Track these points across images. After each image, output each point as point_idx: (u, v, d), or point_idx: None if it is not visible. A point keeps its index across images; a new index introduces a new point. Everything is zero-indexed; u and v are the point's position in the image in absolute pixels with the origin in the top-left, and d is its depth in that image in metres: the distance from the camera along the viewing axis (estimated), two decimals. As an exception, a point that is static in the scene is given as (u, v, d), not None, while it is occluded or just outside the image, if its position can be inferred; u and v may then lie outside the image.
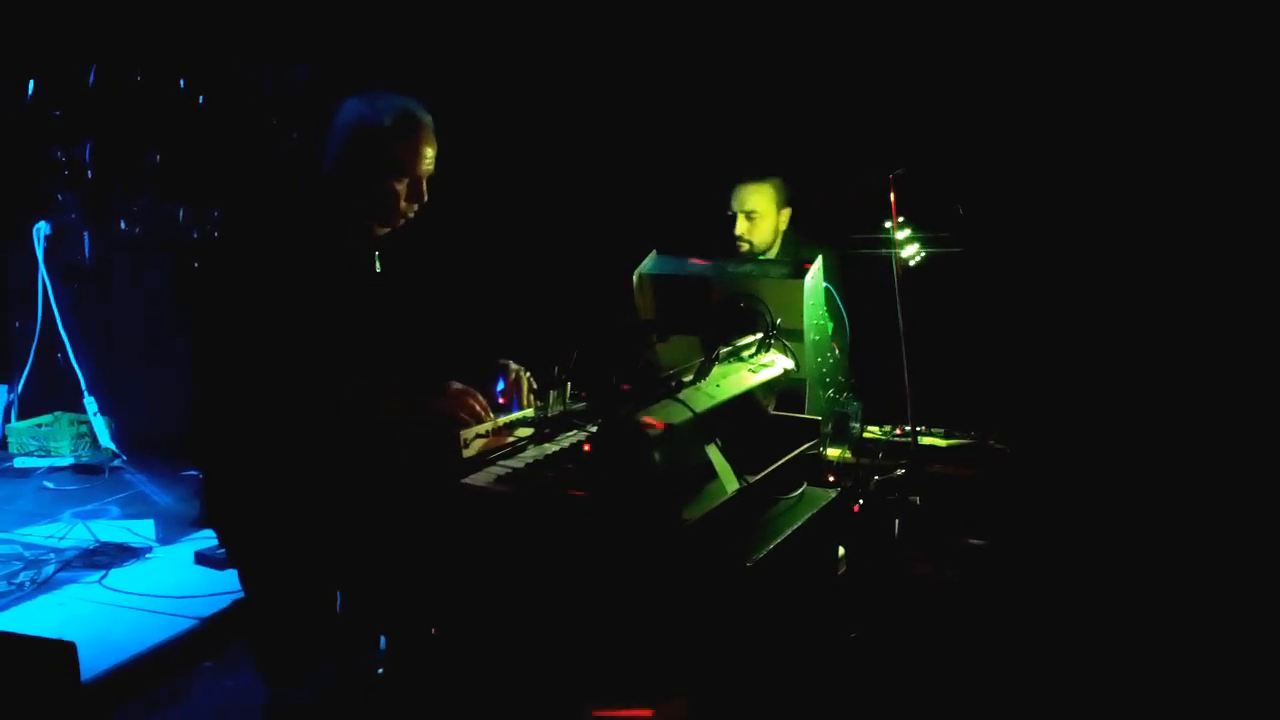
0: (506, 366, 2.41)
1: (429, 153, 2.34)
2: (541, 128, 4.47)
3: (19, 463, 4.60)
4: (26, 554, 3.48)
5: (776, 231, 3.41)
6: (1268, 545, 2.95)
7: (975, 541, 2.66)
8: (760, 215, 3.36)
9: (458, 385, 2.23)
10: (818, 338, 2.64)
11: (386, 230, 2.40)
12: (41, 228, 4.76)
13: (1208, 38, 3.51)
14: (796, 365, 2.52)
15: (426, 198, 2.37)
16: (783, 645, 2.13)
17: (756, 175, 3.38)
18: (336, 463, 2.11)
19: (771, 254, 3.42)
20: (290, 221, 2.29)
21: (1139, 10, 3.60)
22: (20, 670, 2.18)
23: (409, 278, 2.53)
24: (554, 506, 1.86)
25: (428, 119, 2.35)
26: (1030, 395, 3.64)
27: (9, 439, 4.73)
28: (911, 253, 2.96)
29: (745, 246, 3.38)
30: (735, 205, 3.37)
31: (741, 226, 3.36)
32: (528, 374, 2.43)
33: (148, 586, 3.26)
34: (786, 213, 3.42)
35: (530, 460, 2.02)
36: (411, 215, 2.39)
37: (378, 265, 2.43)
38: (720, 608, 1.91)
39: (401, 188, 2.32)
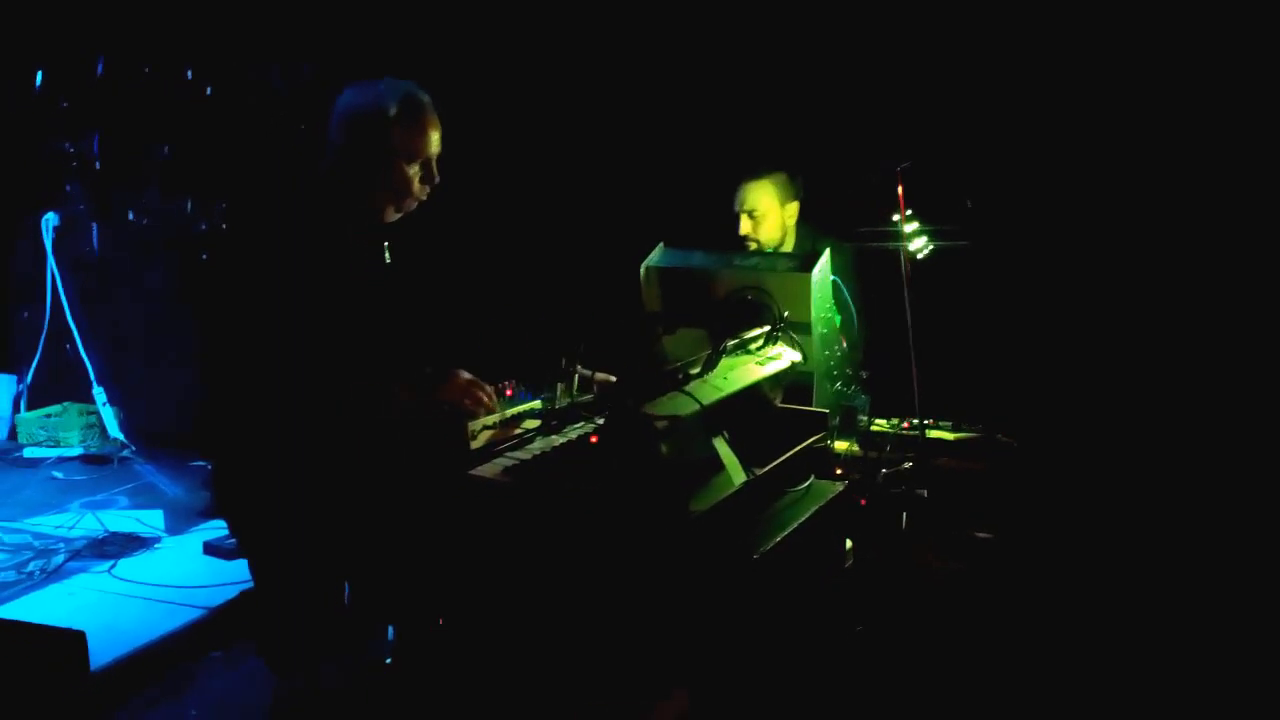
0: (455, 377, 2.22)
1: (435, 135, 2.35)
2: (550, 121, 4.46)
3: (28, 453, 4.62)
4: (36, 544, 3.50)
5: (784, 228, 3.35)
6: (1272, 540, 2.94)
7: (983, 535, 2.66)
8: (763, 213, 3.30)
9: (465, 375, 2.23)
10: (825, 330, 2.64)
11: (399, 216, 2.40)
12: (50, 219, 4.77)
13: (1215, 34, 3.50)
14: (804, 358, 2.51)
15: (438, 178, 2.38)
16: (789, 638, 2.14)
17: (757, 172, 3.32)
18: (345, 453, 2.12)
19: (784, 250, 3.39)
20: (298, 213, 2.30)
21: (1146, 6, 3.58)
22: (31, 659, 2.19)
23: (418, 269, 2.53)
24: (561, 498, 1.87)
25: (428, 99, 2.35)
26: (1039, 389, 3.63)
27: (18, 429, 4.76)
28: (920, 246, 2.95)
29: (753, 245, 3.34)
30: (737, 204, 3.31)
31: (746, 226, 3.30)
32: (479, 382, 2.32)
33: (156, 576, 3.27)
34: (793, 208, 3.36)
35: (538, 452, 2.02)
36: (425, 198, 2.39)
37: (387, 256, 2.43)
38: (727, 600, 1.91)
39: (413, 172, 2.33)
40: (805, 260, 2.64)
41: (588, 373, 2.37)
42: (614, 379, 2.39)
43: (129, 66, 4.78)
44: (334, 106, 2.35)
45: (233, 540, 3.05)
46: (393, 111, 2.29)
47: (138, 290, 4.76)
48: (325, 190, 2.34)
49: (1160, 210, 3.64)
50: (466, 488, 1.92)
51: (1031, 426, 3.01)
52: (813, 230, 3.38)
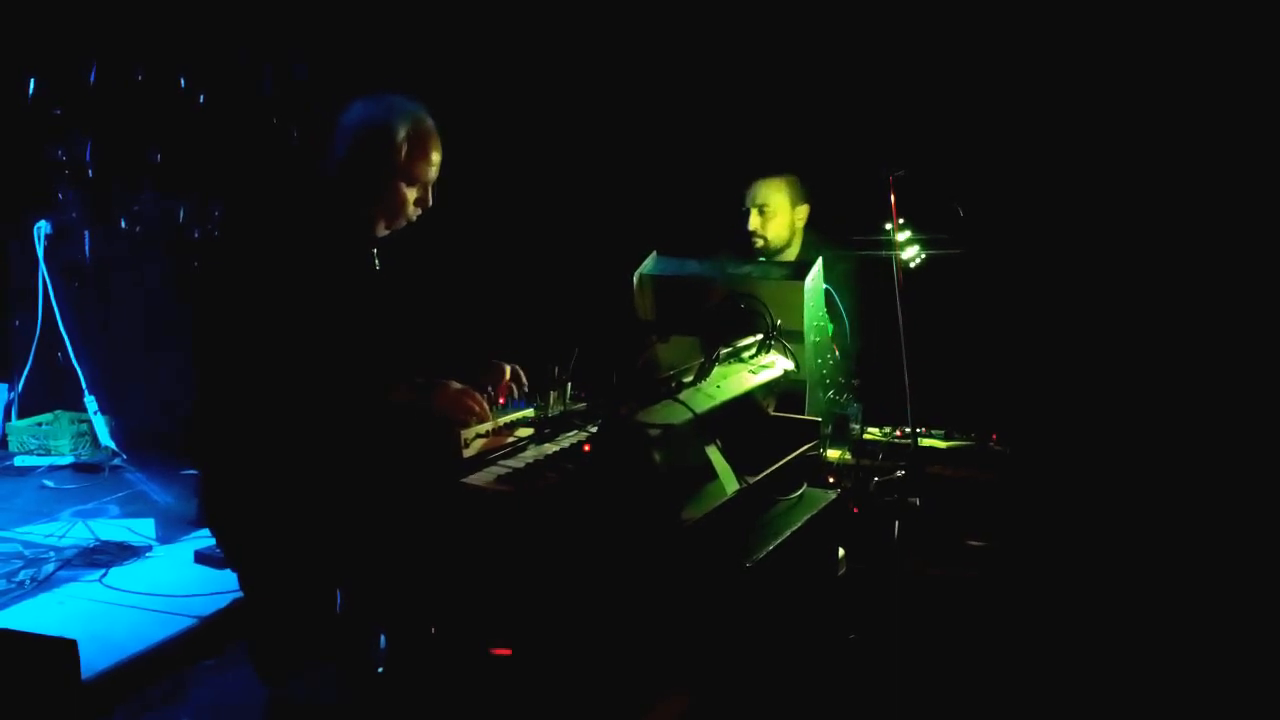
0: (500, 367, 2.41)
1: (437, 160, 2.37)
2: (543, 128, 4.47)
3: (19, 461, 4.60)
4: (26, 552, 3.48)
5: (793, 229, 3.39)
6: (1269, 543, 2.95)
7: (975, 543, 2.66)
8: (773, 211, 3.34)
9: (456, 385, 2.23)
10: (818, 339, 2.64)
11: (387, 232, 2.41)
12: (42, 226, 4.76)
13: (1208, 37, 3.51)
14: (796, 366, 2.52)
15: (431, 202, 2.40)
16: (782, 646, 2.14)
17: (771, 170, 3.37)
18: (336, 462, 2.11)
19: (790, 254, 3.39)
20: (290, 221, 2.30)
21: (1139, 10, 3.60)
22: (21, 668, 2.18)
23: (408, 276, 2.54)
24: (554, 506, 1.86)
25: (433, 124, 2.37)
26: (1031, 397, 3.63)
27: (9, 437, 4.73)
28: (912, 254, 2.96)
29: (760, 243, 3.36)
30: (748, 200, 3.36)
31: (754, 221, 3.34)
32: (519, 368, 2.43)
33: (148, 585, 3.26)
34: (803, 210, 3.39)
35: (530, 460, 2.02)
36: (414, 219, 2.41)
37: (376, 263, 2.44)
38: (720, 609, 1.91)
39: (410, 193, 2.35)
40: (798, 269, 2.65)
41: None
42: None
43: (122, 73, 4.78)
44: (341, 118, 2.36)
45: (221, 550, 3.05)
46: (401, 134, 2.31)
47: (130, 298, 4.74)
48: (321, 198, 2.35)
49: (1152, 218, 3.65)
50: (459, 496, 1.92)
51: (1024, 434, 3.02)
52: (818, 238, 3.40)
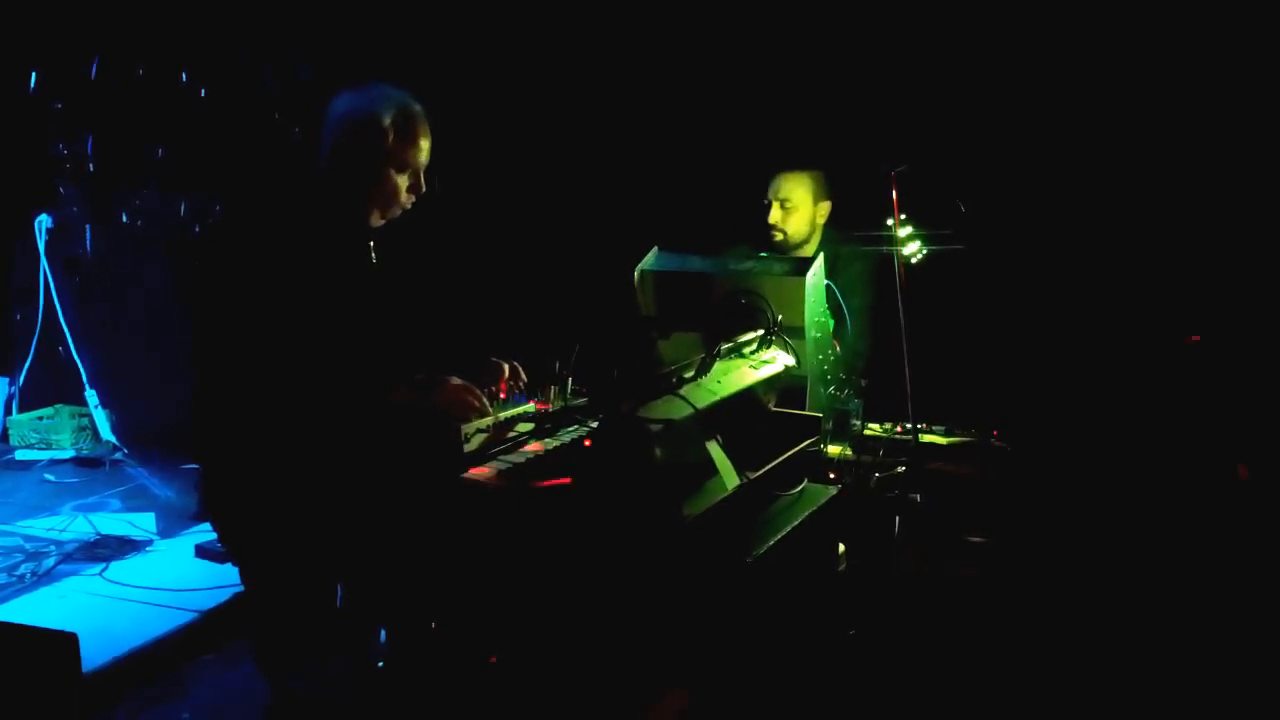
0: (499, 366, 2.40)
1: (425, 145, 2.36)
2: (544, 123, 4.47)
3: (20, 455, 4.60)
4: (27, 546, 3.48)
5: (813, 225, 3.38)
6: (1269, 541, 2.95)
7: (976, 539, 2.67)
8: (795, 204, 3.33)
9: (456, 380, 2.23)
10: (819, 335, 2.64)
11: (383, 222, 2.41)
12: (43, 221, 4.76)
13: (1209, 35, 3.51)
14: (797, 362, 2.52)
15: (424, 189, 2.39)
16: (782, 641, 2.14)
17: (796, 165, 3.36)
18: (337, 456, 2.11)
19: (808, 250, 3.37)
20: (287, 215, 2.30)
21: (1141, 8, 3.60)
22: (22, 661, 2.18)
23: (408, 271, 2.54)
24: (555, 501, 1.87)
25: (421, 110, 2.37)
26: (1031, 393, 3.63)
27: (10, 431, 4.74)
28: (913, 250, 2.96)
29: (779, 236, 3.35)
30: (770, 193, 3.35)
31: (775, 215, 3.33)
32: (518, 365, 2.43)
33: (148, 579, 3.26)
34: (825, 207, 3.39)
35: (531, 455, 2.02)
36: (409, 207, 2.41)
37: (373, 257, 2.44)
38: (721, 604, 1.91)
39: (402, 180, 2.34)
40: (799, 265, 2.65)
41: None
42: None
43: (123, 67, 4.77)
44: (328, 110, 2.36)
45: (222, 544, 3.05)
46: (386, 121, 2.30)
47: (131, 292, 4.74)
48: (316, 192, 2.35)
49: (1153, 214, 3.65)
50: (459, 490, 1.92)
51: (1025, 430, 3.02)
52: (838, 235, 3.38)
